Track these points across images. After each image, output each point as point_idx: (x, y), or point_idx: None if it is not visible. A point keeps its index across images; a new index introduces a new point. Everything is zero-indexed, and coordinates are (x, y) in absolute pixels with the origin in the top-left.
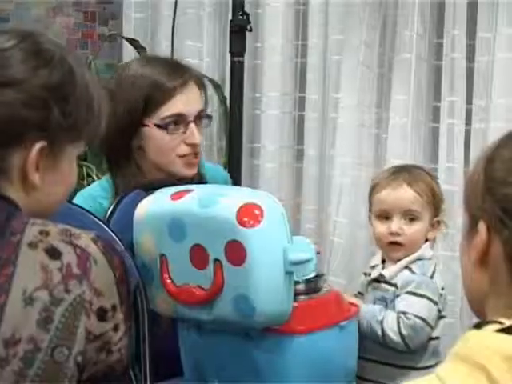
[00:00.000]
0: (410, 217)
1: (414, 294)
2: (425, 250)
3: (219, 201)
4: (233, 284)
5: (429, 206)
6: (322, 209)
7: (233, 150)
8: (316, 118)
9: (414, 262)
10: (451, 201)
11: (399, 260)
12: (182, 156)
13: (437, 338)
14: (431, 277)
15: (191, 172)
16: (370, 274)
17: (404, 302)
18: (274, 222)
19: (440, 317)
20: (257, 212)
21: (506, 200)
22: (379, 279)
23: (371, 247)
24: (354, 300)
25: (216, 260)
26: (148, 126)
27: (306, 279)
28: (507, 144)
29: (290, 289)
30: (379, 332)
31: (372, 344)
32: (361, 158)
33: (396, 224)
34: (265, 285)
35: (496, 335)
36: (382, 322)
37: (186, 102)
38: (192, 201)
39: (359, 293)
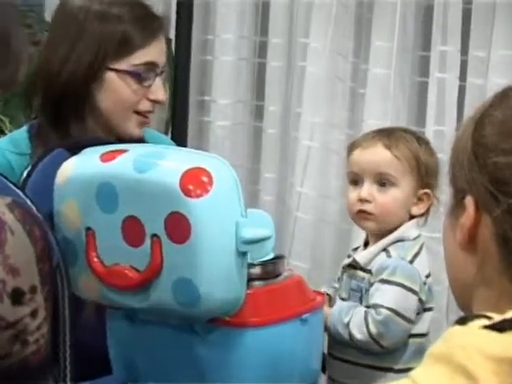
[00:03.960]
0: (383, 181)
1: (388, 281)
2: (408, 229)
3: (159, 164)
4: (174, 265)
5: (411, 174)
6: (284, 177)
7: (177, 103)
8: (280, 67)
9: (393, 243)
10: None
11: (378, 239)
12: (140, 113)
13: (421, 334)
14: (411, 261)
15: (141, 134)
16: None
17: (377, 293)
18: (226, 192)
19: (425, 309)
20: (204, 179)
21: (498, 170)
22: (354, 265)
23: (343, 225)
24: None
25: (154, 236)
26: (114, 70)
27: (263, 262)
28: (501, 103)
29: (243, 272)
30: (346, 336)
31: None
32: (333, 117)
33: (366, 189)
34: (212, 267)
35: (482, 332)
36: (348, 325)
37: (160, 50)
38: (126, 163)
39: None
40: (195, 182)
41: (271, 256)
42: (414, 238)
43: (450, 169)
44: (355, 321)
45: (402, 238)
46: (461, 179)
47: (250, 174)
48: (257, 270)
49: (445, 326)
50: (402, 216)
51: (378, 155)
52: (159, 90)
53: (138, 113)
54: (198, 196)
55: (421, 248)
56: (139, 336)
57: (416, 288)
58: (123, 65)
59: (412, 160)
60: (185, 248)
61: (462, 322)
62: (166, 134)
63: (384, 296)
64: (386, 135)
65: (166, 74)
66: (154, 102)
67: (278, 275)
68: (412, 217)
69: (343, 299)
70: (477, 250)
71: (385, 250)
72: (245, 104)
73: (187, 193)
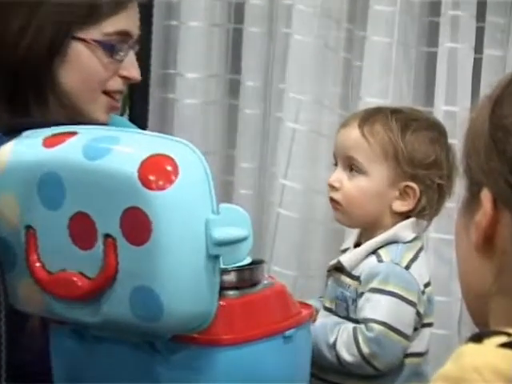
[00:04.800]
0: (352, 167)
1: (379, 290)
2: (403, 229)
3: (113, 150)
4: (131, 271)
5: (384, 162)
6: (264, 167)
7: None
8: (259, 33)
9: (385, 245)
10: None
11: (368, 239)
12: (109, 94)
13: (419, 354)
14: (407, 266)
15: (107, 119)
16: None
17: (367, 305)
18: (194, 184)
19: (424, 324)
20: (168, 168)
21: None
22: (340, 269)
23: (335, 224)
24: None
25: (107, 236)
26: (82, 40)
27: (238, 267)
28: None
29: (215, 280)
30: (333, 359)
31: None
32: (323, 95)
33: (335, 174)
34: (177, 273)
35: (501, 352)
36: (334, 346)
37: (134, 18)
38: (74, 149)
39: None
40: (157, 171)
41: (248, 261)
42: (411, 241)
43: (463, 157)
44: (343, 340)
45: (396, 240)
46: (476, 169)
47: (223, 163)
48: (231, 278)
49: (456, 344)
50: (375, 210)
51: (348, 136)
52: (133, 65)
53: (106, 93)
54: (161, 188)
55: (419, 252)
56: (90, 356)
57: (413, 299)
58: (92, 34)
59: (387, 145)
60: (144, 251)
61: (476, 339)
62: (123, 114)
63: (376, 308)
64: (370, 114)
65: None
66: (126, 79)
67: (256, 284)
68: (407, 216)
69: (328, 309)
70: (494, 253)
71: (375, 253)
72: (217, 78)
73: (147, 184)
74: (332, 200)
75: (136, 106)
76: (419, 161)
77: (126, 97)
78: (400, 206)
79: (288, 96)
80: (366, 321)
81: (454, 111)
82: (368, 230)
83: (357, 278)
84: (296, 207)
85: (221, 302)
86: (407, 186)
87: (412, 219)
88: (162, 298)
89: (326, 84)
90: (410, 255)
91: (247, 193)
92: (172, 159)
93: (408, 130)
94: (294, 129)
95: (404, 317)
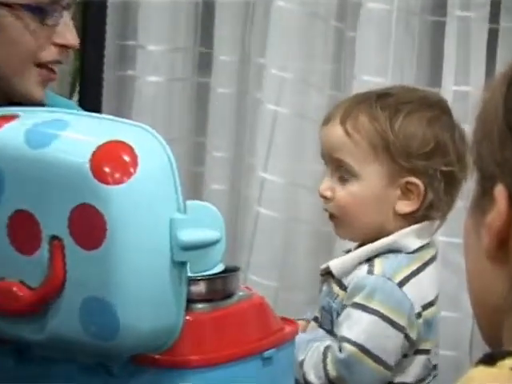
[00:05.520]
0: (341, 171)
1: (363, 306)
2: (404, 236)
3: (61, 136)
4: (82, 280)
5: (376, 159)
6: (240, 157)
7: (87, 51)
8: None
9: (382, 253)
10: None
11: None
12: (43, 65)
13: None
14: (401, 283)
15: (43, 95)
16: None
17: (346, 322)
18: (156, 177)
19: (418, 351)
20: (126, 158)
21: None
22: (331, 274)
23: (323, 226)
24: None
25: (53, 238)
26: (5, 5)
27: (209, 276)
28: None
29: (181, 291)
30: (300, 380)
31: None
32: (310, 72)
33: (325, 182)
34: (136, 283)
35: None
36: (302, 364)
37: None
38: (14, 135)
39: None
40: (112, 161)
41: (221, 268)
42: (414, 251)
43: (474, 146)
44: (313, 360)
45: (396, 248)
46: (488, 160)
47: (192, 152)
48: (200, 288)
49: (467, 367)
50: (377, 217)
51: (331, 136)
52: (69, 30)
53: (40, 65)
54: (117, 182)
55: (426, 264)
56: (34, 380)
57: (402, 322)
58: None
59: (375, 139)
60: (97, 256)
61: (488, 360)
62: (72, 95)
63: (353, 327)
64: (353, 104)
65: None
66: (63, 47)
67: (229, 295)
68: (414, 216)
69: (316, 319)
70: (509, 259)
71: (369, 260)
72: (185, 52)
73: (101, 177)
74: (328, 212)
75: (87, 86)
76: (417, 150)
77: (76, 74)
78: (404, 206)
79: (269, 73)
80: (340, 339)
81: (466, 92)
82: (372, 234)
83: (345, 288)
84: (278, 205)
85: (188, 317)
86: (408, 183)
87: (419, 225)
88: (118, 311)
89: (313, 59)
90: (412, 268)
91: (220, 188)
92: (130, 147)
93: (398, 115)
94: (276, 112)
95: (386, 342)
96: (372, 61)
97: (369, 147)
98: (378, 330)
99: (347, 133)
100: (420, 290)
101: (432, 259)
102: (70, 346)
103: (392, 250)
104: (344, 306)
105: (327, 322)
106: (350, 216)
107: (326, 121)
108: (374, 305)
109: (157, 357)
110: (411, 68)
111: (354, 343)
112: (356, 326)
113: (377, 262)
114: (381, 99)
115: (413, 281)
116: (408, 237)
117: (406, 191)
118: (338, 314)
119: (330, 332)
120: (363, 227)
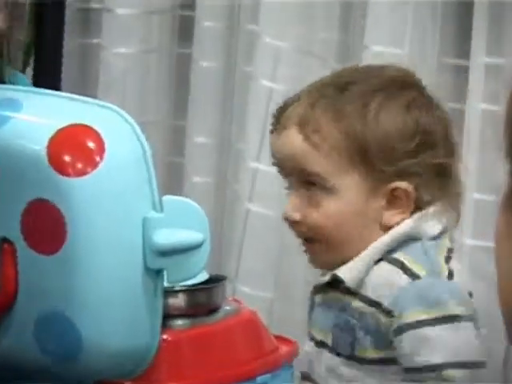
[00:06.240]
0: (310, 185)
1: (436, 320)
2: (423, 220)
3: (12, 119)
4: (37, 290)
5: (352, 167)
6: (227, 144)
7: (44, 17)
8: None
9: (398, 246)
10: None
11: None
12: None
13: None
14: (450, 274)
15: None
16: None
17: (424, 349)
18: (127, 167)
19: None
20: (90, 144)
21: None
22: (336, 286)
23: None
24: None
25: (3, 240)
26: None
27: (190, 287)
28: None
29: (156, 304)
30: None
31: None
32: (310, 41)
33: (292, 199)
34: (102, 294)
35: None
36: None
37: None
38: None
39: None
40: (74, 149)
41: (204, 277)
42: (435, 237)
43: (506, 133)
44: None
45: (414, 236)
46: None
47: (169, 137)
48: (179, 301)
49: None
50: (361, 236)
51: (289, 145)
52: None
53: None
54: (79, 173)
55: (450, 253)
56: None
57: (473, 313)
58: None
59: (346, 144)
60: (56, 262)
61: None
62: (25, 68)
63: (440, 346)
64: (310, 101)
65: None
66: None
67: (214, 310)
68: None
69: (321, 344)
70: None
71: (385, 259)
72: (161, 16)
73: (60, 168)
74: (301, 238)
75: (44, 57)
76: (400, 148)
77: (30, 43)
78: (392, 216)
79: (262, 42)
80: (434, 368)
81: (499, 64)
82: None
83: (365, 299)
84: (272, 201)
85: (165, 336)
86: (395, 189)
87: (433, 207)
88: (81, 328)
89: (315, 25)
90: (443, 255)
91: (203, 180)
92: (95, 132)
93: (369, 106)
94: (271, 89)
95: (474, 342)
96: (386, 28)
97: (340, 155)
98: (468, 334)
99: (309, 140)
100: (463, 280)
101: (451, 250)
102: (24, 367)
103: (408, 239)
104: (398, 328)
105: (345, 344)
106: (330, 238)
107: (277, 127)
108: (445, 311)
109: (127, 383)
110: (434, 36)
111: (457, 364)
112: (442, 344)
113: (402, 257)
114: (342, 90)
115: (456, 272)
116: (427, 220)
117: (393, 199)
118: (367, 332)
119: (350, 357)
120: (344, 251)
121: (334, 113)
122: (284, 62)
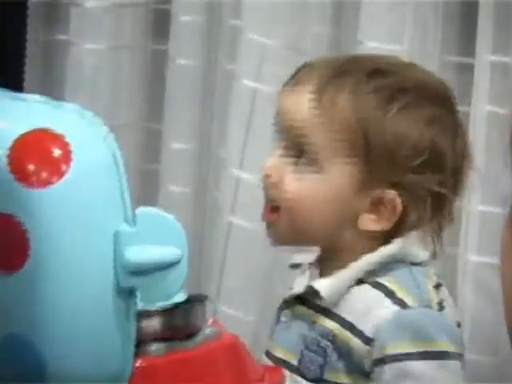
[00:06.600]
0: (300, 152)
1: (424, 354)
2: (410, 244)
3: None
4: None
5: (352, 155)
6: (206, 149)
7: (7, 7)
8: None
9: (380, 269)
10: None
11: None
12: None
13: None
14: (440, 305)
15: None
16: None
17: (406, 381)
18: (95, 176)
19: None
20: (56, 152)
21: None
22: (309, 300)
23: None
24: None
25: None
26: None
27: (166, 308)
28: None
29: (128, 328)
30: None
31: None
32: (300, 36)
33: (274, 159)
34: (69, 317)
35: None
36: None
37: None
38: None
39: None
40: (38, 156)
41: (182, 298)
42: (422, 263)
43: None
44: None
45: (401, 259)
46: None
47: (144, 142)
48: (154, 324)
49: None
50: (332, 222)
51: (296, 105)
52: None
53: None
54: (44, 183)
55: (439, 283)
56: None
57: (462, 350)
58: None
59: (356, 126)
60: (17, 280)
61: None
62: None
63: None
64: (337, 70)
65: None
66: None
67: (193, 333)
68: (384, 237)
69: (283, 362)
70: None
71: (368, 282)
72: (135, 9)
73: (22, 177)
74: (268, 203)
75: (5, 54)
76: (407, 158)
77: None
78: (368, 222)
79: (246, 38)
80: None
81: (506, 63)
82: (326, 251)
83: (340, 320)
84: (257, 213)
85: (138, 362)
86: (383, 197)
87: (416, 232)
88: (45, 353)
89: (304, 19)
90: (431, 283)
91: (181, 190)
92: (61, 138)
93: (393, 103)
94: (255, 89)
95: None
96: (382, 22)
97: (343, 138)
98: (454, 374)
99: (321, 106)
100: (454, 312)
101: (439, 279)
102: None
103: (397, 262)
104: (378, 360)
105: (314, 367)
106: (299, 213)
107: (294, 82)
108: (433, 346)
109: None
110: (436, 31)
111: None
112: (426, 381)
113: (389, 282)
114: (375, 75)
115: (447, 303)
116: (413, 244)
117: (378, 205)
118: (341, 356)
119: (316, 381)
120: (309, 230)
121: (355, 95)
122: (270, 59)
